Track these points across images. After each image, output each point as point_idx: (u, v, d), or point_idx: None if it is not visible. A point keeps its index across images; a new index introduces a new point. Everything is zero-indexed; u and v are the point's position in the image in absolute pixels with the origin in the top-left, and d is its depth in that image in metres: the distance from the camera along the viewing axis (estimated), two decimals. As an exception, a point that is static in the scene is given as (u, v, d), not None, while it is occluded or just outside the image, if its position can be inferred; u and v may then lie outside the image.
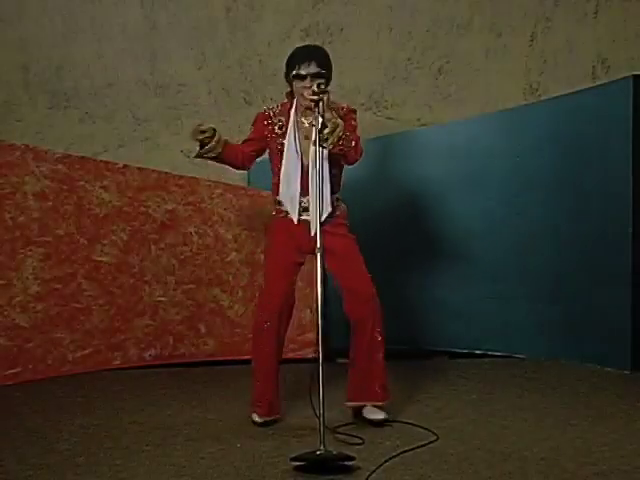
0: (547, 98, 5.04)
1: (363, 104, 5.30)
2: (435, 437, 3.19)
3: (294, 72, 3.37)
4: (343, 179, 3.58)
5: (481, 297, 4.92)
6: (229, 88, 5.35)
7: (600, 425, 3.38)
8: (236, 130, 5.20)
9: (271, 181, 3.56)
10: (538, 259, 4.78)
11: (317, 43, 5.13)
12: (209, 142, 3.37)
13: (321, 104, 3.22)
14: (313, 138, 3.25)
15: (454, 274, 4.97)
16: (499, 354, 4.86)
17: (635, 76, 4.39)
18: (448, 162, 4.97)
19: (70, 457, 3.02)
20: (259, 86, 5.31)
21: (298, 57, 3.39)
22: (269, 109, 3.54)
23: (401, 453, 2.94)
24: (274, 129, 3.49)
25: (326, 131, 3.17)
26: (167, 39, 5.31)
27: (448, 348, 4.97)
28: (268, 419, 3.45)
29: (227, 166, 3.62)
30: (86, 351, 4.51)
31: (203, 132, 3.36)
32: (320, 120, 3.18)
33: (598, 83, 4.98)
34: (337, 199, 3.51)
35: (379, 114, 5.37)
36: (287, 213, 3.47)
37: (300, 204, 3.43)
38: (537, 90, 5.32)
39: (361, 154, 3.41)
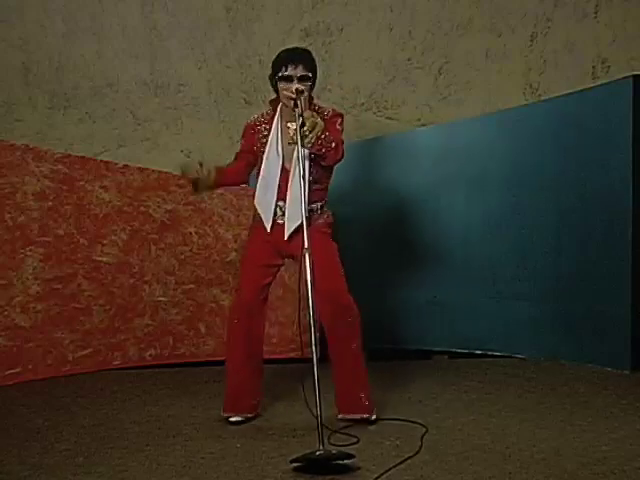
0: (547, 98, 5.04)
1: (363, 104, 5.31)
2: (424, 428, 3.25)
3: (280, 74, 3.35)
4: (332, 187, 3.55)
5: (481, 297, 4.92)
6: (229, 88, 5.35)
7: (600, 425, 3.38)
8: (236, 130, 5.22)
9: None
10: (538, 259, 4.78)
11: (317, 43, 5.19)
12: (197, 179, 3.38)
13: (299, 103, 3.23)
14: (291, 138, 3.23)
15: (454, 274, 4.97)
16: (499, 354, 4.86)
17: (635, 76, 4.39)
18: (448, 162, 4.98)
19: (70, 457, 3.02)
20: (259, 86, 5.30)
21: (285, 59, 3.36)
22: (255, 119, 3.52)
23: (407, 459, 2.93)
24: (260, 138, 3.47)
25: (303, 129, 3.16)
26: (167, 39, 5.31)
27: (448, 348, 4.97)
28: (233, 416, 3.46)
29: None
30: (86, 351, 4.51)
31: (186, 172, 3.37)
32: (300, 119, 3.18)
33: (598, 83, 4.98)
34: (322, 207, 3.47)
35: (379, 114, 5.37)
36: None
37: (280, 209, 3.41)
38: (537, 90, 5.32)
39: (342, 156, 3.36)
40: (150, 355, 4.68)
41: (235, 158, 3.58)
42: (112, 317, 4.58)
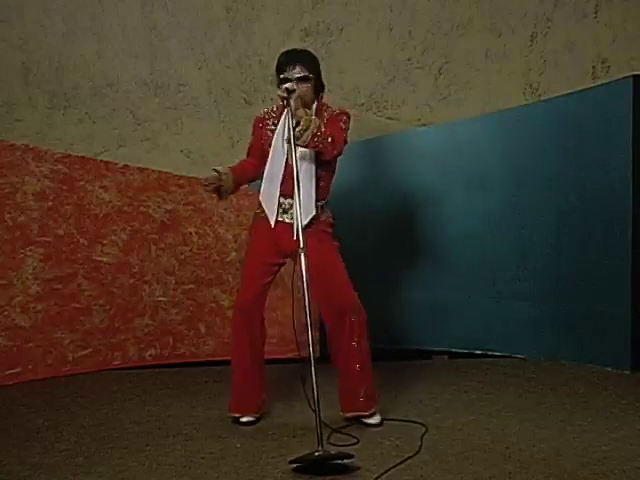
0: (547, 98, 5.04)
1: (363, 104, 5.30)
2: (424, 428, 3.27)
3: (281, 76, 3.39)
4: (333, 187, 3.57)
5: (481, 297, 4.92)
6: (229, 88, 5.35)
7: (600, 425, 3.38)
8: (236, 130, 5.22)
9: None
10: (538, 259, 4.78)
11: (317, 43, 5.19)
12: (220, 187, 3.43)
13: (292, 102, 3.23)
14: (286, 136, 3.25)
15: (454, 274, 4.97)
16: (499, 354, 4.86)
17: (635, 76, 4.39)
18: (448, 162, 4.98)
19: (70, 457, 3.02)
20: (259, 86, 5.30)
21: (283, 62, 3.41)
22: (264, 112, 3.56)
23: (407, 459, 2.94)
24: (267, 131, 3.49)
25: (298, 128, 3.19)
26: (167, 39, 5.31)
27: (448, 348, 4.97)
28: (243, 416, 3.45)
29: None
30: (86, 351, 4.52)
31: (210, 184, 3.41)
32: (294, 118, 3.20)
33: (598, 83, 4.98)
34: (323, 206, 3.47)
35: (379, 114, 5.37)
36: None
37: (281, 206, 3.43)
38: (537, 90, 5.31)
39: (340, 151, 3.38)
40: (150, 355, 4.68)
41: (247, 154, 3.62)
42: (112, 317, 4.59)
